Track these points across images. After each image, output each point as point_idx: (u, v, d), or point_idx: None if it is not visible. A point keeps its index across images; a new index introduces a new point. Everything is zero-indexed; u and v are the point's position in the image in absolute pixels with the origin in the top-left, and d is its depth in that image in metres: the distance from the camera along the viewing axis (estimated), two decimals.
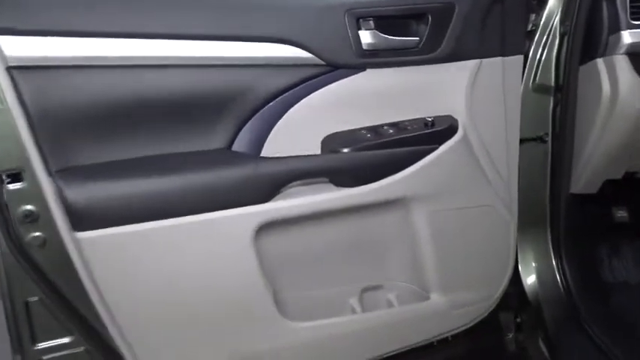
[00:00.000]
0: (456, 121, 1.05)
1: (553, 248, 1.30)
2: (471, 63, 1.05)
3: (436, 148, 1.04)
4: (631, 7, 1.16)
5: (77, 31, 0.86)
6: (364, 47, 0.99)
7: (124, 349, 0.92)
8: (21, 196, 0.83)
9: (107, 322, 0.90)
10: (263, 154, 0.98)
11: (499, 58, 1.07)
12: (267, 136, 0.98)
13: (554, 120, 1.27)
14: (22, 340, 0.89)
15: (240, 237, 0.93)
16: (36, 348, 0.90)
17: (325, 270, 1.07)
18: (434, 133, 1.03)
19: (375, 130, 1.02)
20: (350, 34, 0.98)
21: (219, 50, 0.93)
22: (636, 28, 1.16)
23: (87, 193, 0.86)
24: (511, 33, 1.07)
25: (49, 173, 0.85)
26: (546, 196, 1.30)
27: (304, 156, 0.98)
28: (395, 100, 1.04)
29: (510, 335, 1.38)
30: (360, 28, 0.99)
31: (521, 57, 1.11)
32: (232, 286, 0.96)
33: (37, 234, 0.85)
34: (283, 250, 1.01)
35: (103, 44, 0.88)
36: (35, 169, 0.82)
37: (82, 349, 0.92)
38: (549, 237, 1.31)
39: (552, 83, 1.26)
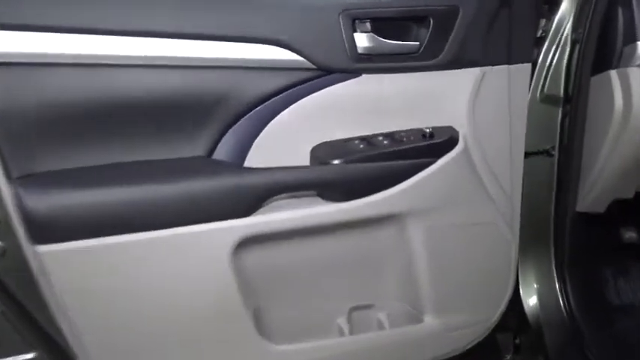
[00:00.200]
0: (456, 132, 0.99)
1: (556, 269, 1.24)
2: (475, 71, 0.98)
3: (434, 162, 0.97)
4: None
5: (41, 25, 0.79)
6: (360, 51, 0.92)
7: None
8: None
9: (72, 340, 0.84)
10: (246, 163, 0.92)
11: (505, 66, 1.00)
12: (251, 145, 0.92)
13: (562, 133, 1.20)
14: None
15: (217, 253, 0.87)
16: None
17: (311, 288, 1.01)
18: (432, 145, 0.96)
19: (368, 140, 0.95)
20: (344, 37, 0.91)
21: (201, 50, 0.87)
22: None
23: (49, 202, 0.79)
24: (519, 39, 1.00)
25: (9, 179, 0.78)
26: (551, 213, 1.23)
27: (291, 167, 0.91)
28: (391, 108, 0.97)
29: (508, 357, 1.32)
30: (355, 31, 0.92)
31: (529, 65, 1.04)
32: (208, 306, 0.89)
33: None
34: (265, 266, 0.94)
35: (72, 41, 0.81)
36: None
37: None
38: (552, 257, 1.25)
39: (561, 94, 1.19)
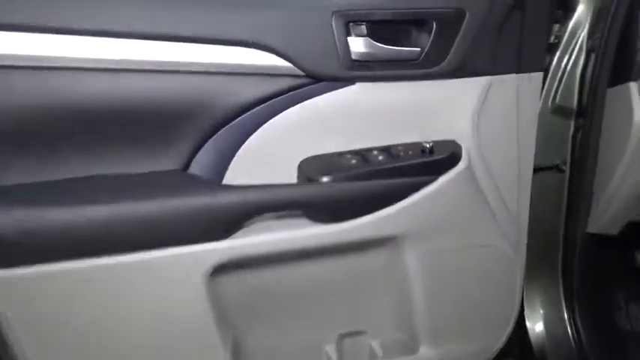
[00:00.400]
0: (459, 147, 0.90)
1: (564, 293, 1.16)
2: (481, 80, 0.90)
3: (434, 180, 0.88)
4: None
5: None
6: (354, 57, 0.84)
7: None
8: None
9: None
10: (225, 180, 0.83)
11: (514, 75, 0.92)
12: (231, 159, 0.83)
13: (574, 147, 1.13)
14: None
15: (191, 279, 0.78)
16: None
17: (297, 315, 0.93)
18: (432, 162, 0.88)
19: (362, 155, 0.87)
20: (337, 41, 0.83)
21: (176, 54, 0.78)
22: None
23: (1, 220, 0.70)
24: (530, 46, 0.92)
25: None
26: (560, 234, 1.16)
27: (275, 185, 0.82)
28: (388, 120, 0.89)
29: None
30: (349, 34, 0.83)
31: (540, 74, 0.96)
32: (181, 338, 0.81)
33: None
34: (246, 293, 0.86)
35: (28, 41, 0.72)
36: None
37: None
38: (560, 281, 1.17)
39: (574, 105, 1.12)
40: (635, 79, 1.03)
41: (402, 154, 0.88)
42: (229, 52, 0.80)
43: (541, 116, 1.07)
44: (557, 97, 1.13)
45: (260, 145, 0.84)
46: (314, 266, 0.88)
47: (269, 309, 0.89)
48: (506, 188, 0.97)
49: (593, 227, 1.14)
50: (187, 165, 0.83)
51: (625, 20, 1.03)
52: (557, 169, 1.15)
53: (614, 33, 1.03)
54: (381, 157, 0.87)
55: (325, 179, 0.83)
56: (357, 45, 0.84)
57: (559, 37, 1.12)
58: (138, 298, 0.77)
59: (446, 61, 0.87)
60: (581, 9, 1.10)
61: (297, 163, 0.86)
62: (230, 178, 0.83)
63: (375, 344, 0.99)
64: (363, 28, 0.84)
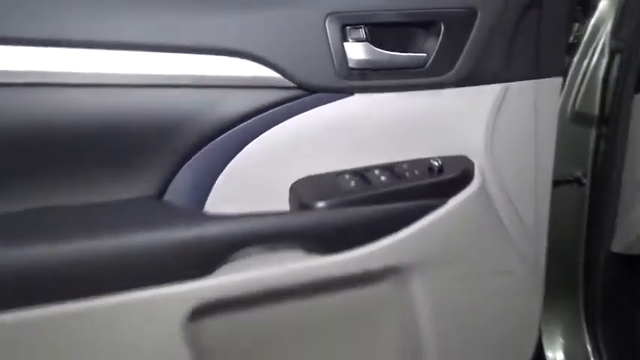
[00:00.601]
0: (471, 164, 0.81)
1: (586, 320, 1.08)
2: (495, 88, 0.81)
3: (444, 203, 0.79)
4: None
5: None
6: (351, 65, 0.75)
7: None
8: None
9: None
10: (207, 207, 0.73)
11: (532, 82, 0.84)
12: (213, 183, 0.74)
13: (596, 158, 1.06)
14: None
15: (166, 325, 0.69)
16: None
17: (291, 358, 0.82)
18: (442, 182, 0.78)
19: (362, 175, 0.78)
20: (332, 47, 0.74)
21: (150, 64, 0.69)
22: None
23: None
24: (549, 47, 0.84)
25: None
26: (580, 253, 1.08)
27: (263, 214, 0.73)
28: (391, 135, 0.80)
29: None
30: (346, 39, 0.74)
31: (559, 79, 0.87)
32: None
33: None
34: (231, 337, 0.76)
35: None
36: None
37: None
38: (581, 306, 1.10)
39: (596, 112, 1.04)
40: None
41: (407, 173, 0.78)
42: (208, 62, 0.71)
43: (559, 124, 0.99)
44: (577, 103, 1.05)
45: (246, 167, 0.74)
46: (309, 303, 0.78)
47: (259, 353, 0.80)
48: (523, 206, 0.88)
49: (617, 246, 1.06)
50: (163, 191, 0.73)
51: None
52: (577, 182, 1.08)
53: None
54: (383, 178, 0.77)
55: (321, 205, 0.74)
56: (355, 51, 0.75)
57: (578, 37, 1.05)
58: (105, 348, 0.67)
59: (455, 67, 0.79)
60: (603, 5, 1.03)
61: (289, 185, 0.76)
62: (212, 205, 0.74)
63: None
64: (362, 31, 0.75)
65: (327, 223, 0.74)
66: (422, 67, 0.78)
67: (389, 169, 0.79)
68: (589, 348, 1.06)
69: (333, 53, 0.74)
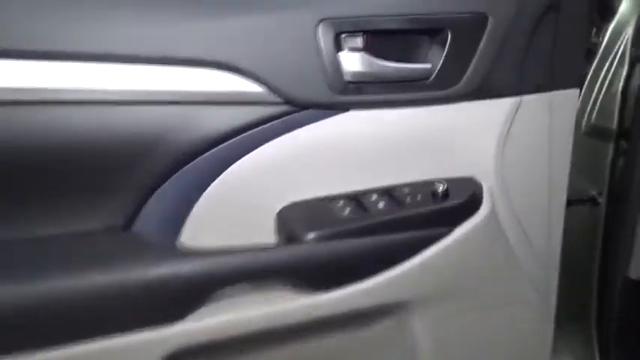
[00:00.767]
0: (479, 187, 0.74)
1: (600, 351, 1.01)
2: (507, 102, 0.75)
3: (449, 232, 0.71)
4: None
5: None
6: (346, 77, 0.68)
7: None
8: None
9: None
10: (182, 239, 0.65)
11: (547, 94, 0.77)
12: (189, 211, 0.65)
13: (613, 176, 0.99)
14: None
15: None
16: None
17: None
18: (447, 209, 0.71)
19: (358, 200, 0.70)
20: (324, 58, 0.66)
21: (119, 78, 0.61)
22: None
23: None
24: (565, 57, 0.77)
25: None
26: (594, 279, 1.02)
27: (246, 248, 0.65)
28: (390, 155, 0.72)
29: None
30: (340, 49, 0.67)
31: (576, 91, 0.80)
32: None
33: None
34: None
35: None
36: None
37: None
38: (594, 335, 1.03)
39: (614, 125, 0.98)
40: None
41: (408, 199, 0.71)
42: (182, 75, 0.63)
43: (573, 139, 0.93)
44: (593, 115, 1.01)
45: (226, 193, 0.66)
46: (300, 346, 0.71)
47: None
48: (534, 229, 0.82)
49: (635, 272, 0.99)
50: (132, 220, 0.65)
51: None
52: (593, 201, 1.02)
53: None
54: (381, 204, 0.70)
55: (311, 236, 0.66)
56: (351, 62, 0.68)
57: (596, 45, 1.00)
58: None
59: (464, 79, 0.72)
60: (624, 9, 0.97)
61: (275, 213, 0.68)
62: (187, 237, 0.65)
63: None
64: (359, 40, 0.67)
65: (318, 257, 0.67)
66: (426, 79, 0.71)
67: (388, 193, 0.71)
68: None
69: (325, 64, 0.66)
